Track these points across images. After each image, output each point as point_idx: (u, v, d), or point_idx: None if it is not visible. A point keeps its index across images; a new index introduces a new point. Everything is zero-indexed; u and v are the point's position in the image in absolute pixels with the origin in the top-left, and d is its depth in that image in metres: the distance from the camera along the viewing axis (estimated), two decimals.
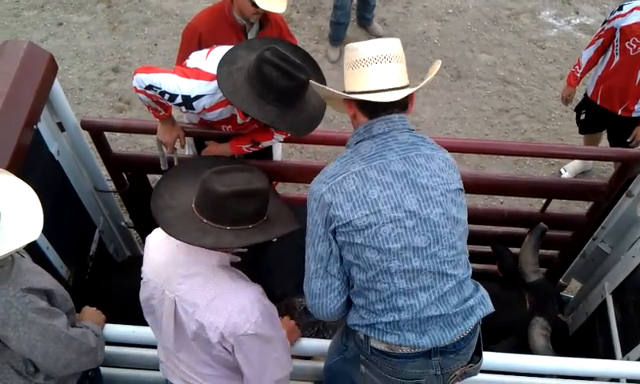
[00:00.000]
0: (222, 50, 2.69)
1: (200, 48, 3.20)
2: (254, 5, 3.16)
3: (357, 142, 2.00)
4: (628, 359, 2.96)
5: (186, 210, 2.00)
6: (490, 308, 2.05)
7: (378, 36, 5.93)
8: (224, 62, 2.56)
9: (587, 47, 4.21)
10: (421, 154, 1.95)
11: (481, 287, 2.09)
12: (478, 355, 2.12)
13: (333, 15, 5.64)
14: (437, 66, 2.07)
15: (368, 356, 2.05)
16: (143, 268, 2.17)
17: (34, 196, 2.02)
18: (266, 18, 3.41)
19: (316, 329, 2.81)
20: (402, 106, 1.98)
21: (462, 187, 2.04)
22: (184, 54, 3.25)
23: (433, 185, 1.92)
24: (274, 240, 2.46)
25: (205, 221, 1.95)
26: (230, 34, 3.36)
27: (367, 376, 2.10)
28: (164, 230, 1.97)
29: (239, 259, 2.12)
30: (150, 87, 2.63)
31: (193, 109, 2.68)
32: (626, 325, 3.09)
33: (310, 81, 2.24)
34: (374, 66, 1.91)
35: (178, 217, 2.00)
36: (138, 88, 2.67)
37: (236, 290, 1.99)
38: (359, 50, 1.93)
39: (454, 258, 1.96)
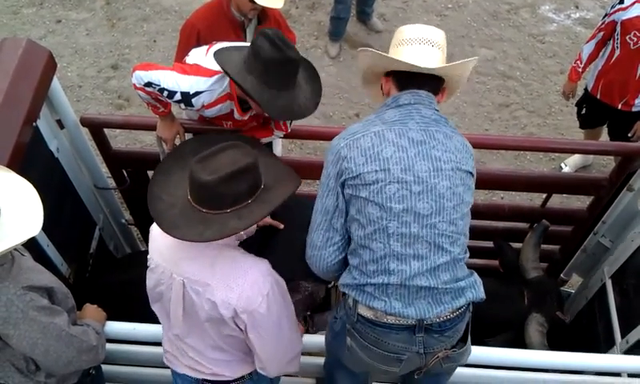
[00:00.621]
0: (221, 46, 2.68)
1: (199, 45, 3.20)
2: (252, 1, 3.15)
3: (383, 110, 2.08)
4: (627, 342, 2.99)
5: (184, 203, 1.99)
6: (480, 294, 2.06)
7: (377, 31, 5.93)
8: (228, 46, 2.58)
9: (588, 41, 4.19)
10: (441, 130, 2.02)
11: (476, 275, 2.10)
12: (463, 342, 2.13)
13: (333, 10, 5.61)
14: (474, 60, 2.13)
15: (354, 324, 2.05)
16: (149, 255, 2.18)
17: (33, 192, 2.01)
18: (264, 13, 3.40)
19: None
20: (434, 88, 2.08)
21: (474, 173, 2.09)
22: (182, 51, 3.25)
23: (446, 159, 1.98)
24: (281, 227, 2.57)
25: (204, 210, 1.94)
26: (229, 31, 3.36)
27: (353, 349, 2.11)
28: (169, 233, 1.96)
29: (245, 237, 2.17)
30: (148, 84, 2.62)
31: (192, 105, 2.67)
32: (625, 307, 3.11)
33: (362, 49, 2.18)
34: (417, 46, 2.05)
35: (178, 214, 1.99)
36: (137, 85, 2.66)
37: (247, 266, 2.01)
38: (405, 30, 2.10)
39: (452, 234, 1.98)
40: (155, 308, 2.26)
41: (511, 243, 3.41)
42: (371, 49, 2.12)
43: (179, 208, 2.00)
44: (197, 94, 2.63)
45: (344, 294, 2.11)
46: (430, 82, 2.06)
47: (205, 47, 2.78)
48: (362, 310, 2.02)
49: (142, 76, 2.62)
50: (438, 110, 2.07)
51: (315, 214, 2.11)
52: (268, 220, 2.54)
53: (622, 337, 3.05)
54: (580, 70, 4.25)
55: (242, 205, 1.93)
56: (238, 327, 2.04)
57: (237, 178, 1.90)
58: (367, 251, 1.98)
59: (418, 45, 2.05)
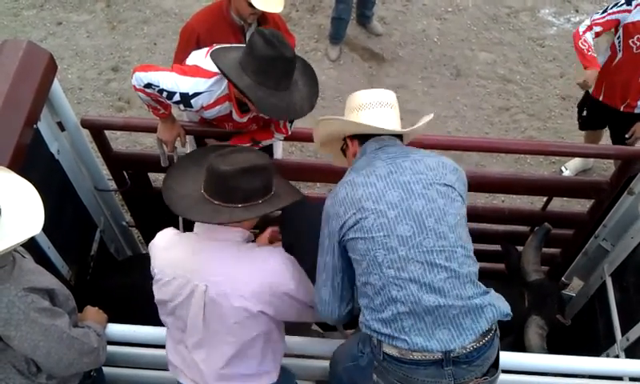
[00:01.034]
0: (221, 47, 2.69)
1: (198, 48, 3.19)
2: (251, 5, 3.15)
3: (354, 163, 2.19)
4: (627, 339, 2.99)
5: (198, 197, 2.11)
6: (504, 309, 1.99)
7: (377, 34, 5.93)
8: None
9: (585, 31, 3.95)
10: (408, 159, 2.10)
11: (492, 292, 2.03)
12: (494, 368, 2.08)
13: (334, 10, 5.59)
14: (427, 118, 2.27)
15: (380, 362, 2.04)
16: (158, 270, 2.19)
17: (34, 192, 2.02)
18: (263, 18, 3.38)
19: None
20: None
21: (454, 187, 2.08)
22: (181, 54, 3.25)
23: (415, 180, 2.03)
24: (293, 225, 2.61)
25: (216, 202, 2.06)
26: (228, 34, 3.35)
27: None
28: (184, 215, 2.13)
29: (252, 238, 2.24)
30: (148, 85, 2.62)
31: (191, 106, 2.67)
32: (625, 305, 3.11)
33: (325, 117, 2.31)
34: (377, 109, 2.20)
35: (191, 204, 2.11)
36: (137, 86, 2.66)
37: (265, 255, 2.14)
38: (361, 96, 2.24)
39: (444, 249, 1.95)
40: (168, 321, 2.26)
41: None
42: (335, 117, 2.28)
43: (193, 199, 2.12)
44: (196, 95, 2.63)
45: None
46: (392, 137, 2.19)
47: (205, 49, 2.78)
48: (387, 349, 2.00)
49: (141, 77, 2.63)
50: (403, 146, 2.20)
51: (319, 273, 2.16)
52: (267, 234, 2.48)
53: (623, 334, 3.05)
54: (591, 53, 3.87)
55: (253, 202, 2.07)
56: (267, 315, 2.12)
57: (252, 173, 2.04)
58: (369, 287, 2.00)
59: (378, 108, 2.20)
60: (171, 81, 2.61)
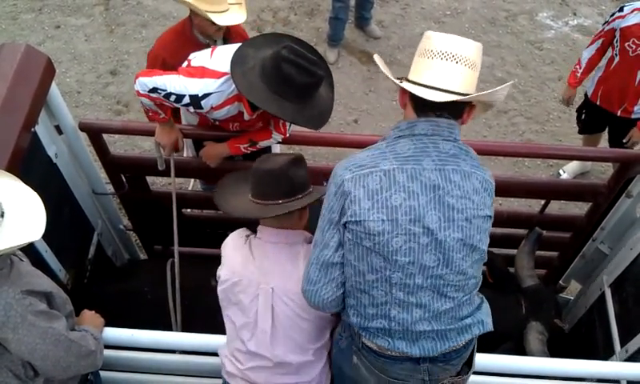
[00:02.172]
0: (225, 48, 2.69)
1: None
2: (213, 23, 3.13)
3: (396, 137, 1.87)
4: (627, 351, 2.97)
5: (247, 202, 2.23)
6: (488, 327, 2.01)
7: (375, 38, 5.94)
8: (235, 64, 2.55)
9: (587, 47, 4.21)
10: (459, 169, 1.84)
11: (485, 304, 2.04)
12: (467, 366, 2.10)
13: (332, 10, 5.60)
14: (507, 86, 1.93)
15: (360, 349, 2.04)
16: (227, 270, 2.22)
17: (38, 200, 2.04)
18: (229, 32, 3.36)
19: None
20: (455, 112, 1.85)
21: (492, 214, 1.95)
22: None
23: (460, 207, 1.82)
24: None
25: (262, 202, 2.17)
26: None
27: (359, 367, 2.09)
28: (245, 215, 2.22)
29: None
30: (154, 90, 2.62)
31: (201, 108, 2.67)
32: (625, 316, 3.10)
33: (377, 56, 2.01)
34: (437, 61, 1.77)
35: (244, 208, 2.24)
36: (142, 91, 2.65)
37: None
38: (432, 39, 1.80)
39: (458, 283, 1.88)
40: (236, 318, 2.24)
41: (509, 250, 3.41)
42: (381, 62, 1.92)
43: (242, 209, 2.26)
44: (206, 95, 2.64)
45: None
46: (451, 107, 1.81)
47: (208, 50, 2.77)
48: (367, 342, 2.00)
49: (146, 82, 2.62)
50: (458, 140, 1.87)
51: (314, 247, 1.97)
52: None
53: (622, 346, 3.03)
54: (579, 75, 4.26)
55: (293, 198, 2.15)
56: None
57: (295, 166, 2.16)
58: (366, 296, 1.91)
59: (440, 60, 1.76)
60: (179, 84, 2.61)
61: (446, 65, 1.76)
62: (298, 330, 2.17)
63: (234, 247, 2.26)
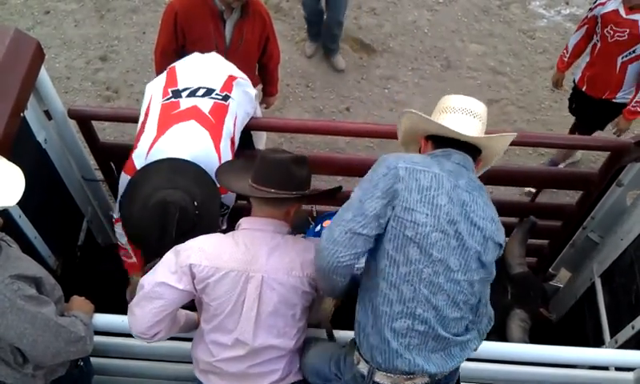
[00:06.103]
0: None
1: (176, 30, 3.29)
2: None
3: (434, 157, 2.10)
4: (616, 341, 2.99)
5: (245, 185, 2.26)
6: (483, 340, 2.19)
7: (338, 70, 5.66)
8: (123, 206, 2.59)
9: (574, 33, 4.31)
10: (483, 199, 2.07)
11: (482, 322, 2.18)
12: None
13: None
14: (512, 135, 2.24)
15: None
16: (211, 264, 2.14)
17: (15, 168, 2.03)
18: (247, 6, 3.33)
19: None
20: (472, 155, 2.14)
21: (503, 245, 2.13)
22: (163, 36, 3.38)
23: (481, 226, 2.02)
24: None
25: (272, 190, 2.20)
26: (207, 19, 3.31)
27: None
28: (245, 192, 2.26)
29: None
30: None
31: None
32: (614, 307, 3.12)
33: (407, 110, 2.25)
34: (459, 115, 2.14)
35: (241, 186, 2.28)
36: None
37: (309, 242, 2.28)
38: (452, 99, 2.20)
39: (468, 294, 2.03)
40: (221, 317, 2.21)
41: None
42: (416, 111, 2.18)
43: (241, 184, 2.29)
44: None
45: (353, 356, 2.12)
46: (469, 151, 2.12)
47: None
48: (379, 378, 2.03)
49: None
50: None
51: (347, 210, 2.01)
52: None
53: (612, 336, 3.04)
54: (566, 59, 4.35)
55: (287, 192, 2.19)
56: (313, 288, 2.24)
57: (297, 164, 2.22)
58: (394, 290, 1.97)
59: (461, 114, 2.13)
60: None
61: (466, 118, 2.14)
62: (282, 317, 2.21)
63: (216, 243, 2.20)
